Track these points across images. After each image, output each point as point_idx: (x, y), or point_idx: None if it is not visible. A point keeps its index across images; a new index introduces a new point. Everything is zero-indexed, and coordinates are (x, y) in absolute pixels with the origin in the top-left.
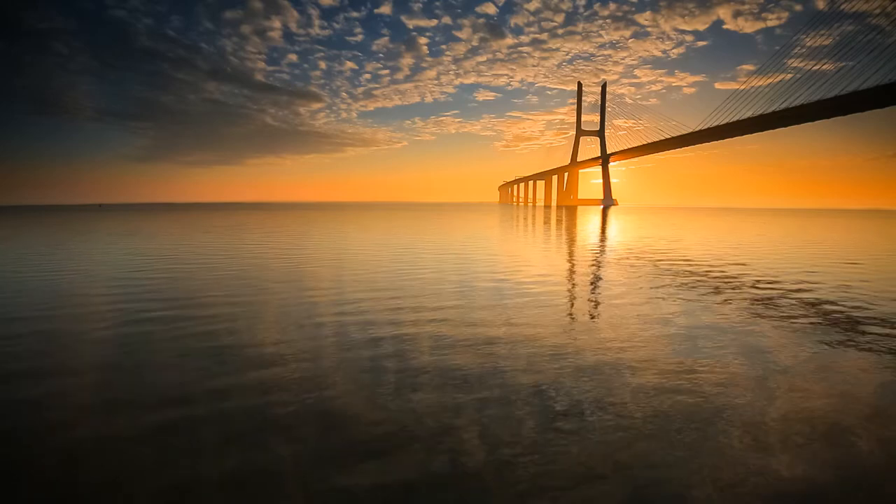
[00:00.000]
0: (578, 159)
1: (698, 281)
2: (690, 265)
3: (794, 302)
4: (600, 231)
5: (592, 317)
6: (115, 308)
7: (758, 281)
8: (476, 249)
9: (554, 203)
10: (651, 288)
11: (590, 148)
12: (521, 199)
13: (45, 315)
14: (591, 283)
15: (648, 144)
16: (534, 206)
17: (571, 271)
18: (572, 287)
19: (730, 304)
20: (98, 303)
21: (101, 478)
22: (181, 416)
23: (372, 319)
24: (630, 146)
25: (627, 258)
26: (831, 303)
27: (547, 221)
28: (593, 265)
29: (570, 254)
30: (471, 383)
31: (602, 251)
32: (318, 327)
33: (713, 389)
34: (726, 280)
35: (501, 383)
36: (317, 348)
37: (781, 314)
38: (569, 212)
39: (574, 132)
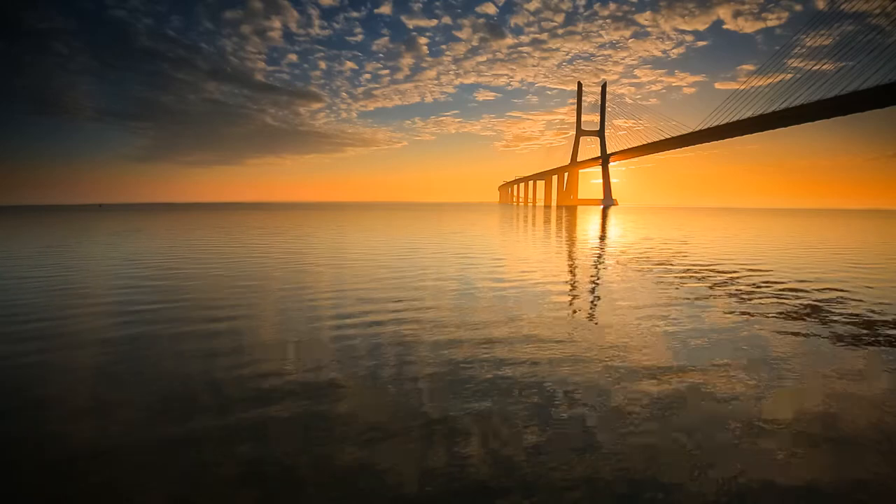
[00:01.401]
0: (578, 159)
1: (722, 288)
2: (708, 270)
3: (839, 315)
4: (606, 232)
5: (613, 331)
6: (116, 313)
7: (786, 288)
8: (480, 252)
9: (554, 203)
10: (674, 297)
11: (590, 148)
12: (521, 199)
13: (43, 319)
14: (607, 292)
15: (648, 144)
16: (534, 206)
17: (584, 278)
18: (589, 297)
19: (769, 318)
20: (97, 306)
21: None
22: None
23: (378, 333)
24: (630, 146)
25: (640, 262)
26: (870, 314)
27: (550, 222)
28: (604, 270)
29: (579, 257)
30: (488, 409)
31: (611, 255)
32: (320, 342)
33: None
34: (752, 288)
35: (516, 410)
36: (319, 366)
37: (830, 331)
38: (569, 212)
39: (574, 132)
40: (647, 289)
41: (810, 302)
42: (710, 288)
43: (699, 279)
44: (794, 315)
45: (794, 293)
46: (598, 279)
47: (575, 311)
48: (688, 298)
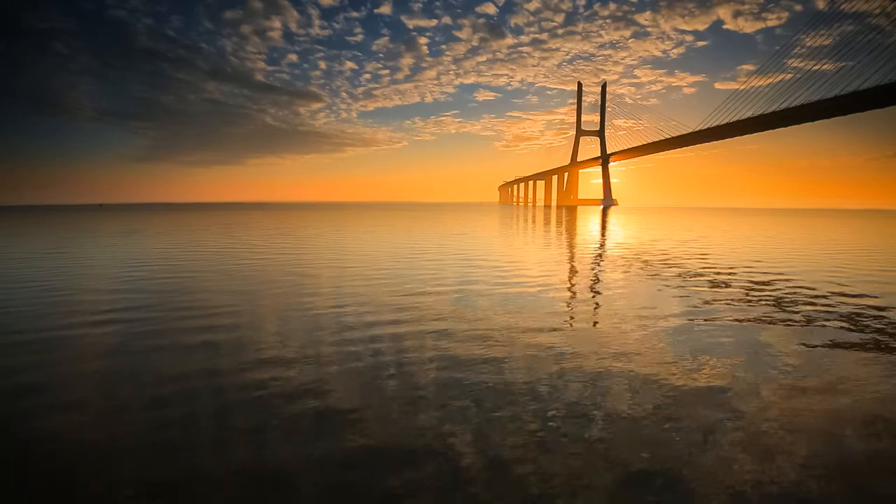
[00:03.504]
0: (578, 159)
1: (765, 302)
2: (736, 277)
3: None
4: (615, 235)
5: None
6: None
7: (834, 302)
8: (492, 255)
9: (554, 203)
10: (722, 315)
11: (590, 148)
12: (521, 199)
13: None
14: (645, 306)
15: (648, 144)
16: (534, 206)
17: (614, 287)
18: (629, 313)
19: (840, 347)
20: (101, 306)
21: None
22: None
23: (388, 352)
24: (630, 146)
25: (666, 268)
26: None
27: (557, 224)
28: (631, 278)
29: (598, 263)
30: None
31: (631, 260)
32: (322, 358)
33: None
34: (796, 301)
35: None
36: (321, 380)
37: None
38: (570, 212)
39: (574, 132)
40: (687, 301)
41: (870, 318)
42: (748, 302)
43: (732, 288)
44: (860, 337)
45: (849, 309)
46: (627, 289)
47: (623, 331)
48: (736, 318)
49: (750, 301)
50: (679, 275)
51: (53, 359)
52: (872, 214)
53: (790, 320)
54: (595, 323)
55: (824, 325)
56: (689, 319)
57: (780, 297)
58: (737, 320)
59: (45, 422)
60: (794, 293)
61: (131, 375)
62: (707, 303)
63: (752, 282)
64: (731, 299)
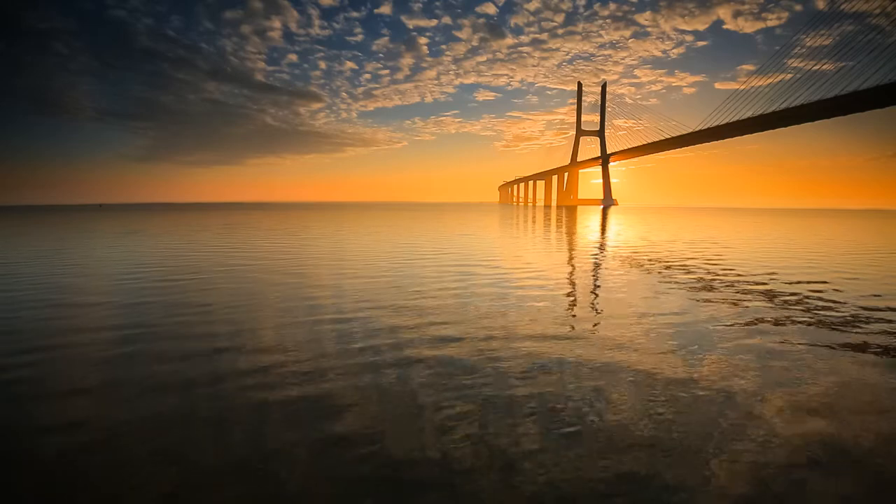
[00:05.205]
0: (578, 159)
1: (812, 313)
2: (760, 283)
3: None
4: (623, 235)
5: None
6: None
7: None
8: (492, 260)
9: (554, 203)
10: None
11: (590, 148)
12: (521, 199)
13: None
14: (658, 313)
15: (648, 144)
16: (534, 206)
17: (640, 296)
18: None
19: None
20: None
21: None
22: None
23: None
24: (630, 146)
25: (693, 273)
26: None
27: (560, 224)
28: (658, 285)
29: (614, 266)
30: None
31: (648, 262)
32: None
33: None
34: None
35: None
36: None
37: None
38: (571, 212)
39: (574, 132)
40: (737, 325)
41: None
42: (796, 320)
43: (767, 302)
44: None
45: None
46: (656, 298)
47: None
48: (795, 342)
49: (798, 318)
50: (706, 287)
51: (50, 365)
52: (872, 214)
53: (855, 344)
54: (648, 348)
55: None
56: (743, 351)
57: (820, 312)
58: (796, 343)
59: (39, 430)
60: (838, 309)
61: (128, 389)
62: (750, 323)
63: (788, 293)
64: (777, 317)
